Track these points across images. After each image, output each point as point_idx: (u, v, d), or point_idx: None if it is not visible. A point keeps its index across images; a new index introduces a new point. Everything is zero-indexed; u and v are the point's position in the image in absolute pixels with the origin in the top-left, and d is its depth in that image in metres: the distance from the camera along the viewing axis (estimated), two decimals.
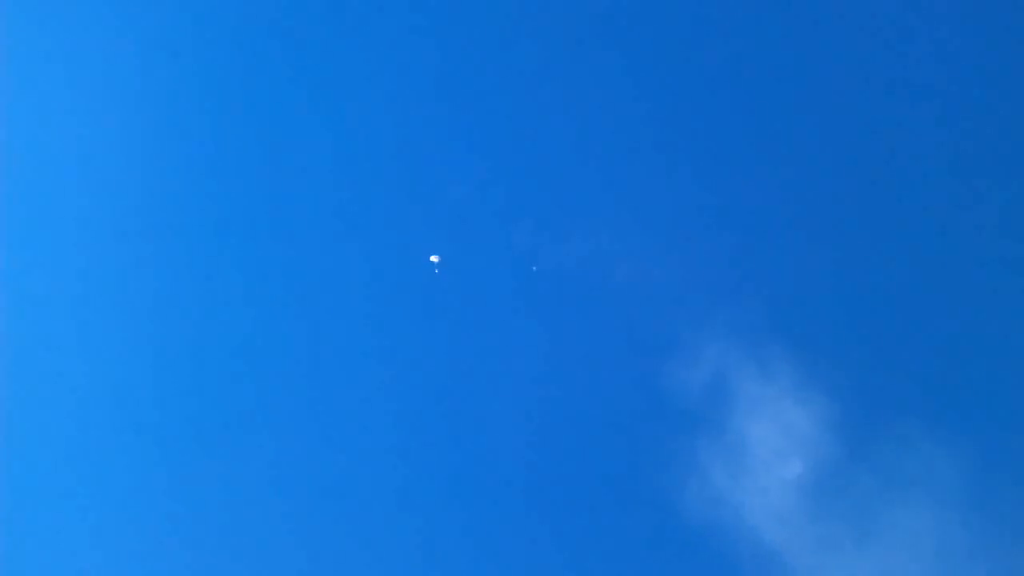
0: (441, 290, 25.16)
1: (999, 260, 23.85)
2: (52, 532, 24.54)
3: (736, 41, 25.76)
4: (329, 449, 25.01)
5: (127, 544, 24.50)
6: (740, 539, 23.26)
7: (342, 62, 26.05)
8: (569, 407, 25.14)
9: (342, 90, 26.13)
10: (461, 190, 25.65)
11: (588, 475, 24.67)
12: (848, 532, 22.87)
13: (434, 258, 24.20)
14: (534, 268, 24.52)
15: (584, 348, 25.53)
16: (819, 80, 25.48)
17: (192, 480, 24.92)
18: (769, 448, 23.86)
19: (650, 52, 25.75)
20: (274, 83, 26.24)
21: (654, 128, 26.02)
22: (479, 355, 25.63)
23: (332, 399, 25.32)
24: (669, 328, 24.98)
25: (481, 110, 25.98)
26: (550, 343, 25.59)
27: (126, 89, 26.06)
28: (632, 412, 24.92)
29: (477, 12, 25.89)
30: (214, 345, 25.46)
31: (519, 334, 25.62)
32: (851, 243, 25.13)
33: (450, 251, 25.01)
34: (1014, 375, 23.21)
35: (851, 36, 25.17)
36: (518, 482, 24.79)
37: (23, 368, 25.11)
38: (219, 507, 24.79)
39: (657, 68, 25.70)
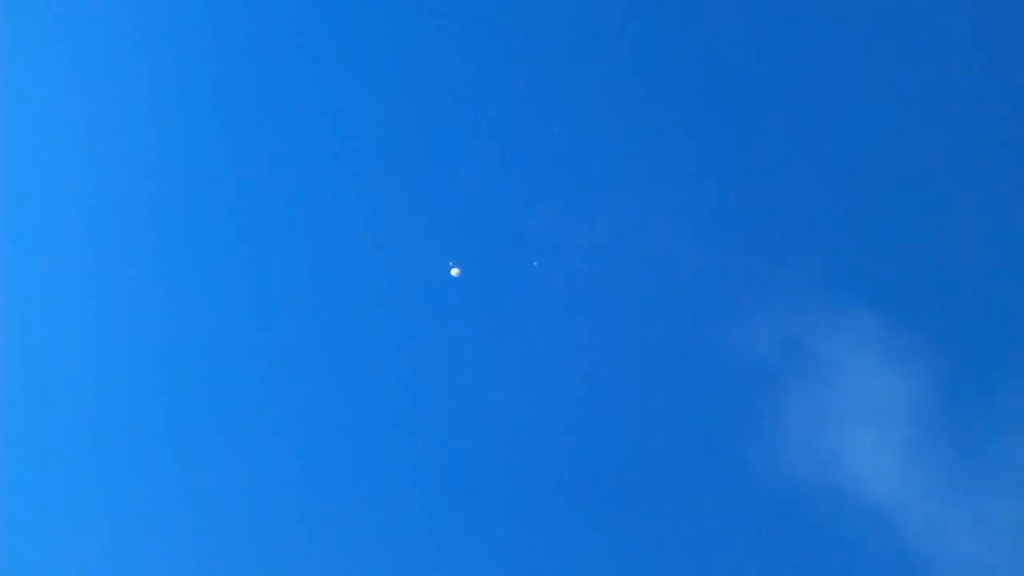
0: (471, 288, 24.68)
1: None
2: (53, 534, 24.54)
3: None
4: (356, 449, 24.56)
5: (130, 546, 24.50)
6: (844, 501, 22.37)
7: (347, 53, 25.78)
8: (642, 390, 24.13)
9: (348, 78, 25.78)
10: (476, 178, 24.93)
11: (674, 453, 23.81)
12: (959, 485, 21.77)
13: (455, 271, 23.77)
14: (535, 263, 24.19)
15: (643, 328, 24.29)
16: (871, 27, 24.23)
17: (201, 484, 24.76)
18: (861, 404, 22.71)
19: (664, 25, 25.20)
20: (278, 76, 26.00)
21: (688, 80, 24.92)
22: (530, 348, 24.78)
23: (351, 399, 24.80)
24: (729, 293, 23.77)
25: (490, 96, 25.50)
26: (604, 328, 24.56)
27: (133, 87, 25.93)
28: (706, 385, 23.87)
29: None
30: (218, 344, 25.30)
31: (569, 321, 24.78)
32: (925, 183, 23.50)
33: (481, 245, 24.60)
34: None
35: None
36: (601, 467, 24.09)
37: (24, 369, 25.07)
38: (228, 512, 24.66)
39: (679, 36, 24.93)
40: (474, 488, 24.42)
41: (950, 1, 23.70)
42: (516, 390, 24.66)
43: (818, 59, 24.49)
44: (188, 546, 24.25)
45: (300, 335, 25.05)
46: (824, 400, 22.98)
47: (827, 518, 22.48)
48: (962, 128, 23.53)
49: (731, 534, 23.02)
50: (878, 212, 23.70)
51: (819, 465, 22.64)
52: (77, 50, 25.93)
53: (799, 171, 24.20)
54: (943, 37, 23.81)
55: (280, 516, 24.32)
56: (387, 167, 25.44)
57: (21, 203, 25.56)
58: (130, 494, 24.54)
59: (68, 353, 25.17)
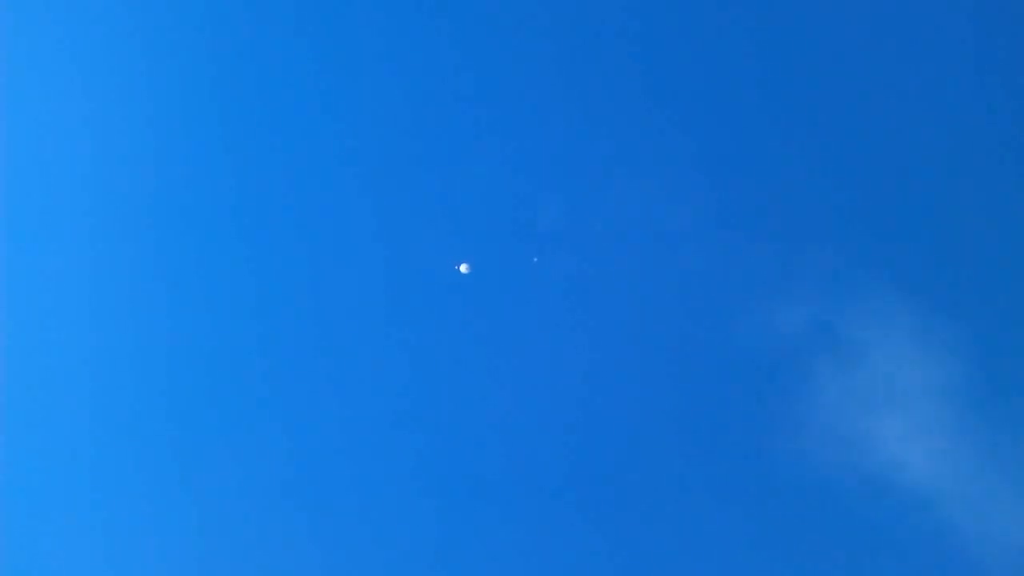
0: (478, 284, 24.42)
1: None
2: (53, 534, 24.51)
3: None
4: (361, 449, 24.42)
5: (130, 546, 24.45)
6: (878, 486, 22.23)
7: (350, 50, 25.64)
8: (670, 379, 23.99)
9: (351, 76, 25.62)
10: (479, 174, 24.75)
11: (703, 442, 23.68)
12: (994, 466, 21.57)
13: (463, 267, 23.59)
14: (535, 259, 24.01)
15: (670, 316, 24.04)
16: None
17: (201, 484, 24.67)
18: (892, 388, 22.43)
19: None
20: (279, 73, 25.89)
21: (701, 67, 24.64)
22: (548, 341, 24.65)
23: (352, 395, 24.68)
24: (756, 279, 23.44)
25: (493, 93, 25.33)
26: (629, 315, 24.36)
27: (133, 87, 25.84)
28: (735, 373, 23.67)
29: None
30: (219, 344, 25.21)
31: (585, 314, 24.66)
32: (955, 164, 23.14)
33: (486, 241, 24.39)
34: None
35: None
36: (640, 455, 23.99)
37: (24, 369, 25.01)
38: (229, 512, 24.56)
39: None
40: (480, 485, 24.32)
41: None
42: (533, 385, 24.58)
43: (838, 42, 24.07)
44: (188, 546, 24.24)
45: (302, 332, 25.04)
46: (855, 385, 22.67)
47: (861, 503, 22.27)
48: (990, 110, 23.12)
49: (764, 521, 22.88)
50: (906, 194, 23.36)
51: (852, 450, 22.39)
52: (77, 50, 25.97)
53: (826, 155, 23.83)
54: (967, 13, 23.34)
55: (280, 516, 24.28)
56: (389, 164, 25.40)
57: (21, 203, 25.62)
58: (130, 494, 24.54)
59: (68, 353, 25.19)
